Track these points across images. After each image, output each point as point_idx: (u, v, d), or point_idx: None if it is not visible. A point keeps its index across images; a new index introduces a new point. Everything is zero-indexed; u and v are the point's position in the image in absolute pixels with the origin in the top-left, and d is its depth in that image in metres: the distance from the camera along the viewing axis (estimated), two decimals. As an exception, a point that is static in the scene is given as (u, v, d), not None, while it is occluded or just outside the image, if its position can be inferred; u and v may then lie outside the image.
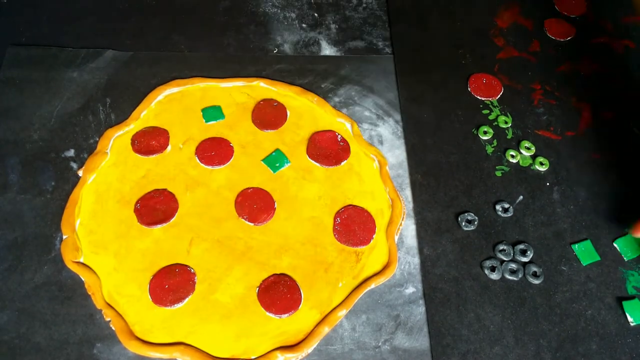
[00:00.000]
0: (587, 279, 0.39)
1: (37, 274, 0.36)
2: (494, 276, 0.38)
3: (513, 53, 0.51)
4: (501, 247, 0.39)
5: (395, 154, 0.44)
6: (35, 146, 0.42)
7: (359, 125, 0.45)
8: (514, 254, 0.39)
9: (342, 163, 0.42)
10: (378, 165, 0.43)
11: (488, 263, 0.38)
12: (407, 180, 0.42)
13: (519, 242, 0.40)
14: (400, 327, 0.36)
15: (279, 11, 0.52)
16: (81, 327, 0.35)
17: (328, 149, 0.43)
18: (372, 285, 0.37)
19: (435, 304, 0.36)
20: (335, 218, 0.40)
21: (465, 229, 0.40)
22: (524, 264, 0.39)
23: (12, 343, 0.34)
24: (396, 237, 0.39)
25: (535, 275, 0.38)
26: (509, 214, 0.41)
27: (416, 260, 0.39)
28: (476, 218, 0.40)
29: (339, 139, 0.43)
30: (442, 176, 0.43)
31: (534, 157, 0.44)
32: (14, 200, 0.39)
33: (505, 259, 0.39)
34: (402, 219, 0.40)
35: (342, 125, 0.44)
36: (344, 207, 0.40)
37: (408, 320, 0.36)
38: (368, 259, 0.38)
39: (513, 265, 0.38)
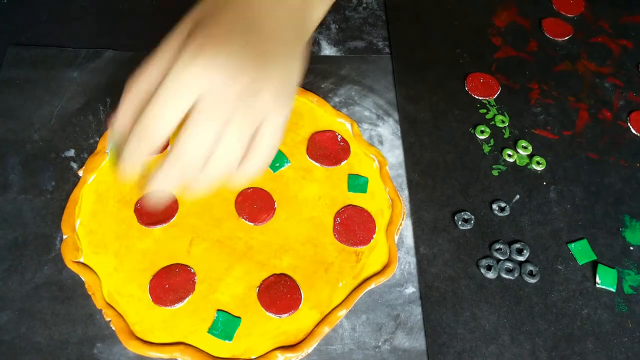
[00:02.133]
0: (584, 278, 0.37)
1: (37, 274, 0.35)
2: (490, 275, 0.37)
3: (510, 52, 0.49)
4: (497, 246, 0.38)
5: (395, 154, 0.42)
6: (36, 146, 0.40)
7: (359, 125, 0.43)
8: (510, 253, 0.38)
9: (342, 163, 0.41)
10: (378, 165, 0.41)
11: (484, 262, 0.37)
12: (407, 180, 0.41)
13: (515, 242, 0.38)
14: (400, 327, 0.35)
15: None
16: (81, 327, 0.33)
17: (328, 149, 0.41)
18: (372, 285, 0.36)
19: (431, 302, 0.35)
20: (335, 218, 0.38)
21: (462, 228, 0.38)
22: (520, 263, 0.37)
23: (12, 343, 0.33)
24: (396, 237, 0.38)
25: (531, 274, 0.37)
26: (506, 213, 0.39)
27: (416, 260, 0.37)
28: (472, 217, 0.39)
29: (339, 139, 0.42)
30: (438, 175, 0.41)
31: (530, 156, 0.43)
32: (14, 200, 0.37)
33: (501, 257, 0.37)
34: (402, 219, 0.39)
35: (342, 125, 0.43)
36: (344, 207, 0.39)
37: (408, 320, 0.35)
38: (368, 259, 0.37)
39: (509, 264, 0.37)
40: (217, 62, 0.23)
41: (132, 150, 0.24)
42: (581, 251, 0.38)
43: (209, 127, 0.24)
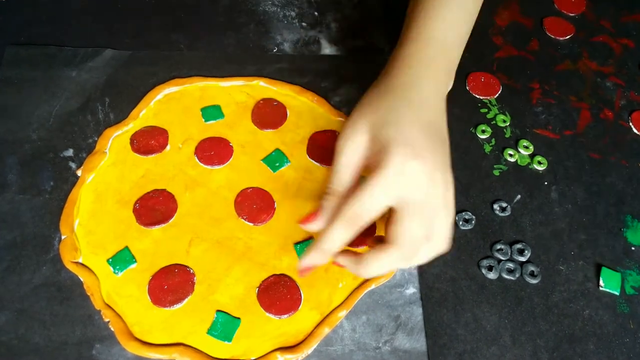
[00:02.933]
0: (585, 279, 0.37)
1: (36, 275, 0.34)
2: (491, 276, 0.36)
3: (512, 52, 0.48)
4: (498, 246, 0.37)
5: (396, 153, 0.41)
6: (34, 146, 0.39)
7: (359, 124, 0.42)
8: (511, 253, 0.37)
9: (342, 163, 0.40)
10: (378, 165, 0.40)
11: (485, 262, 0.36)
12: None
13: (517, 242, 0.38)
14: (401, 328, 0.34)
15: (278, 10, 0.49)
16: (80, 327, 0.33)
17: (328, 149, 0.40)
18: (373, 285, 0.35)
19: (432, 303, 0.35)
20: (335, 218, 0.38)
21: (463, 228, 0.38)
22: (522, 264, 0.37)
23: (11, 344, 0.32)
24: (396, 238, 0.37)
25: (532, 274, 0.36)
26: (507, 213, 0.39)
27: None
28: (473, 217, 0.38)
29: (339, 139, 0.41)
30: (439, 175, 0.40)
31: (532, 156, 0.42)
32: (12, 200, 0.37)
33: (502, 258, 0.37)
34: (403, 220, 0.38)
35: (342, 124, 0.42)
36: (344, 207, 0.38)
37: (409, 321, 0.34)
38: (368, 259, 0.36)
39: (510, 265, 0.36)
40: (424, 174, 0.27)
41: (336, 230, 0.28)
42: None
43: (422, 224, 0.28)
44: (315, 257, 0.30)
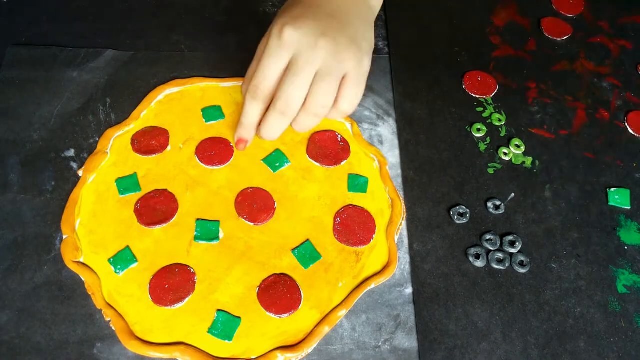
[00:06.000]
0: (577, 277, 0.35)
1: (37, 274, 0.32)
2: (479, 264, 0.34)
3: (509, 51, 0.46)
4: (488, 236, 0.35)
5: (395, 153, 0.39)
6: (36, 146, 0.37)
7: (359, 125, 0.40)
8: (501, 244, 0.35)
9: (342, 163, 0.38)
10: (378, 165, 0.38)
11: (473, 250, 0.35)
12: (402, 177, 0.38)
13: (508, 234, 0.36)
14: (401, 327, 0.32)
15: (279, 11, 0.46)
16: (81, 327, 0.31)
17: (328, 149, 0.38)
18: (372, 285, 0.33)
19: (424, 299, 0.33)
20: (335, 218, 0.36)
21: (458, 222, 0.36)
22: (511, 254, 0.35)
23: (12, 343, 0.30)
24: (396, 237, 0.35)
25: (522, 264, 0.34)
26: (501, 211, 0.37)
27: (409, 256, 0.35)
28: (468, 211, 0.36)
29: (339, 139, 0.39)
30: (434, 172, 0.39)
31: (526, 155, 0.40)
32: (14, 200, 0.35)
33: (491, 248, 0.35)
34: (402, 219, 0.36)
35: (342, 125, 0.40)
36: (344, 207, 0.36)
37: (408, 320, 0.32)
38: (368, 259, 0.34)
39: (500, 255, 0.35)
40: (304, 28, 0.29)
41: (247, 105, 0.31)
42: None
43: (305, 74, 0.29)
44: (242, 132, 0.33)
